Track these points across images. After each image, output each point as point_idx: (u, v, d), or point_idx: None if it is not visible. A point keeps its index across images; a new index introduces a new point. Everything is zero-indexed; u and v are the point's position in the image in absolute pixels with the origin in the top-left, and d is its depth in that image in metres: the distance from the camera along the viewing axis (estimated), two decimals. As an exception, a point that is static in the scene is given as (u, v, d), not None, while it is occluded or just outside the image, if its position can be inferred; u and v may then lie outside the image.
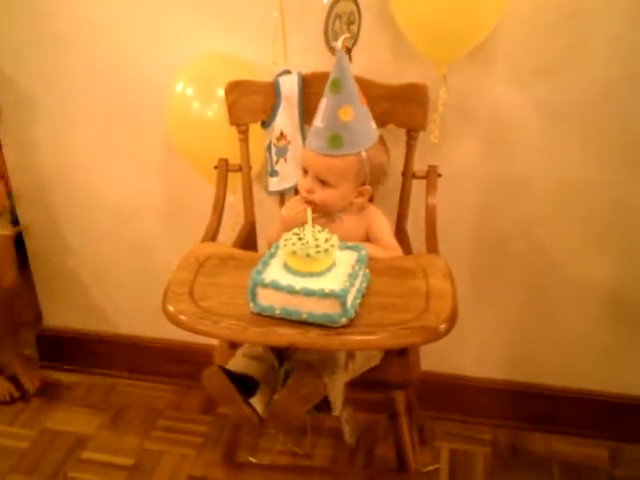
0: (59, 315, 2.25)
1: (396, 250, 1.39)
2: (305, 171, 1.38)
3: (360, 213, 1.42)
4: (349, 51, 1.42)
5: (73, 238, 2.09)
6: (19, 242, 2.17)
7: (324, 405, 1.24)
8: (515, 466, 1.85)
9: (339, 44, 1.29)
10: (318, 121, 1.33)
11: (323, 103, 1.32)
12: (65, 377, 2.24)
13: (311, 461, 1.87)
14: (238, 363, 1.31)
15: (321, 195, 1.36)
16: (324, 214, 1.38)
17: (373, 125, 1.37)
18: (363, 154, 1.33)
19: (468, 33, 1.45)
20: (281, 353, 1.34)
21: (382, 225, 1.43)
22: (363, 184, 1.37)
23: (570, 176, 1.65)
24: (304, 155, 1.39)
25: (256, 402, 1.24)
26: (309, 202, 1.36)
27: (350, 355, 1.30)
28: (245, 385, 1.24)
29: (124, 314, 2.18)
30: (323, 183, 1.35)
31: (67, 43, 1.79)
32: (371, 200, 1.46)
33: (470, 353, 1.94)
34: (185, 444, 1.95)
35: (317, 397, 1.20)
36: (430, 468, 1.83)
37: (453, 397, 1.97)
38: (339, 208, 1.39)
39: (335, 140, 1.31)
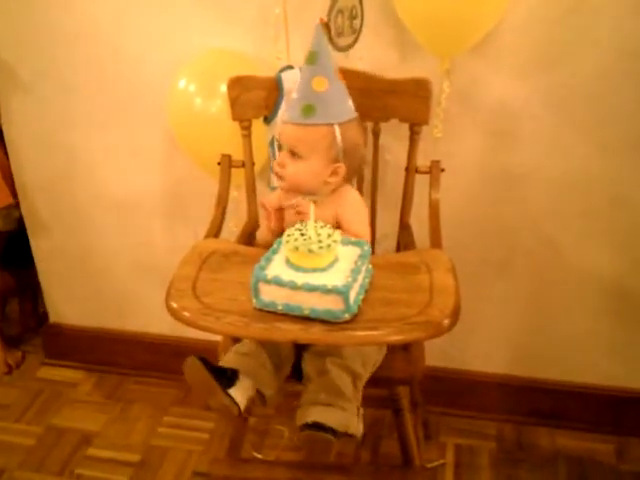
0: (64, 312, 2.26)
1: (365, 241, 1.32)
2: (280, 148, 1.39)
3: (333, 195, 1.39)
4: (327, 26, 1.42)
5: (77, 235, 2.09)
6: (22, 241, 2.18)
7: (345, 437, 1.25)
8: (521, 461, 1.85)
9: (318, 20, 1.33)
10: (294, 93, 1.35)
11: (299, 75, 1.35)
12: (71, 374, 2.25)
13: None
14: (229, 360, 1.31)
15: (292, 169, 1.35)
16: (295, 193, 1.37)
17: (349, 103, 1.37)
18: (336, 128, 1.33)
19: (471, 27, 1.44)
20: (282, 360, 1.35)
21: (354, 209, 1.39)
22: (336, 161, 1.36)
23: (573, 169, 1.65)
24: (279, 130, 1.40)
25: (235, 392, 1.23)
26: (280, 177, 1.37)
27: (354, 374, 1.30)
28: (225, 377, 1.24)
29: (129, 310, 2.18)
30: (294, 155, 1.35)
31: (69, 39, 1.79)
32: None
33: (475, 348, 1.94)
34: (191, 440, 1.95)
35: (332, 447, 1.22)
36: (435, 463, 1.83)
37: (458, 392, 1.97)
38: (311, 187, 1.37)
39: (307, 109, 1.32)
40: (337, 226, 1.36)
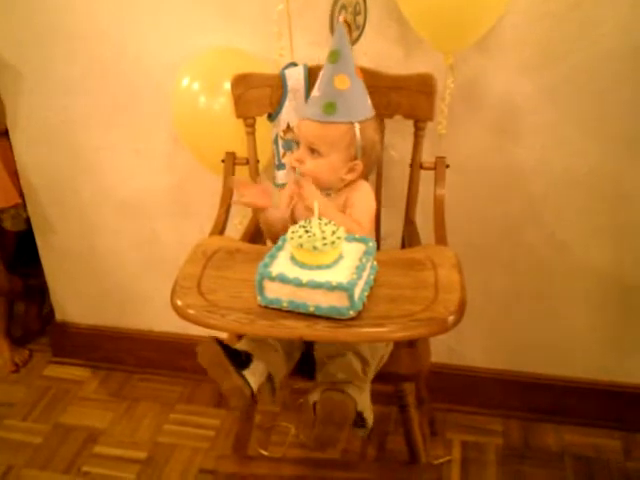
0: (71, 310, 2.27)
1: (360, 228, 1.32)
2: (297, 144, 1.40)
3: (347, 187, 1.40)
4: (349, 25, 1.42)
5: (83, 233, 2.10)
6: (28, 241, 2.18)
7: (358, 420, 1.25)
8: (527, 457, 1.85)
9: (340, 19, 1.34)
10: (315, 90, 1.36)
11: (321, 73, 1.36)
12: (77, 372, 2.26)
13: (322, 453, 1.86)
14: (241, 344, 1.31)
15: (311, 165, 1.37)
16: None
17: (368, 101, 1.38)
18: (356, 126, 1.34)
19: (474, 22, 1.44)
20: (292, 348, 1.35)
21: (360, 197, 1.40)
22: (354, 159, 1.37)
23: (577, 165, 1.64)
24: (298, 125, 1.41)
25: (249, 374, 1.24)
26: (299, 173, 1.37)
27: (363, 361, 1.30)
28: (239, 359, 1.24)
29: (135, 308, 2.19)
30: (313, 152, 1.36)
31: (72, 39, 1.79)
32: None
33: (480, 344, 1.93)
34: (197, 437, 1.96)
35: (351, 415, 1.21)
36: (442, 460, 1.83)
37: (464, 389, 1.97)
38: (328, 183, 1.38)
39: (329, 107, 1.33)
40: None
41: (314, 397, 1.25)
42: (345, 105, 1.34)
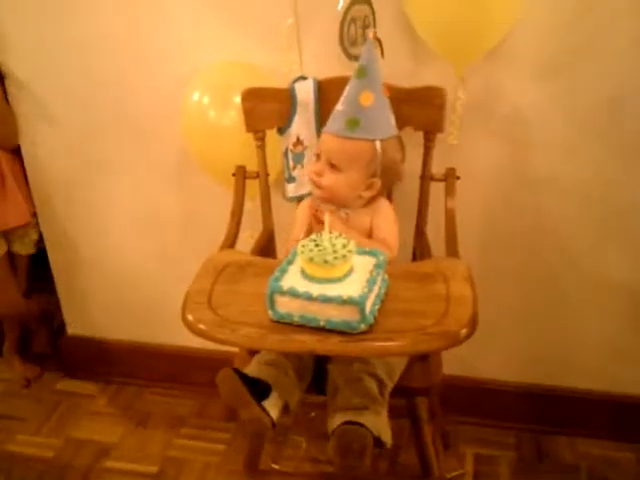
0: (82, 324, 2.27)
1: (391, 251, 1.34)
2: (318, 157, 1.39)
3: (368, 206, 1.41)
4: (379, 42, 1.41)
5: (94, 247, 2.10)
6: (40, 259, 2.19)
7: (377, 443, 1.23)
8: (540, 470, 1.83)
9: (370, 35, 1.35)
10: (339, 105, 1.36)
11: (346, 88, 1.35)
12: (88, 386, 2.25)
13: (334, 468, 1.86)
14: (253, 370, 1.31)
15: (329, 179, 1.37)
16: (329, 203, 1.39)
17: (392, 119, 1.38)
18: (377, 144, 1.34)
19: (485, 34, 1.44)
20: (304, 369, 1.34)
21: (384, 217, 1.41)
22: (373, 176, 1.36)
23: (590, 176, 1.63)
24: (320, 139, 1.41)
25: (269, 405, 1.24)
26: (317, 186, 1.38)
27: (379, 382, 1.29)
28: (258, 389, 1.24)
29: (145, 322, 2.19)
30: (333, 167, 1.36)
31: (83, 54, 1.80)
32: (391, 200, 1.45)
33: (493, 356, 1.92)
34: (208, 452, 1.95)
35: (369, 445, 1.20)
36: (455, 474, 1.82)
37: (476, 401, 1.96)
38: (345, 199, 1.39)
39: (352, 123, 1.33)
40: (371, 235, 1.38)
41: (332, 425, 1.24)
42: (368, 122, 1.33)
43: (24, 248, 2.15)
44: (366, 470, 1.20)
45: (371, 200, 1.41)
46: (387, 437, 1.24)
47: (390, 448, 1.25)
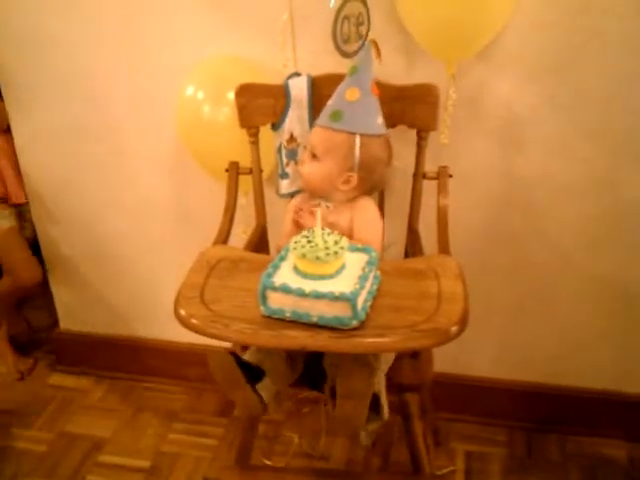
0: (75, 319, 2.27)
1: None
2: (305, 149, 1.45)
3: (350, 203, 1.42)
4: (376, 45, 1.43)
5: (87, 241, 2.10)
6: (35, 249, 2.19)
7: (374, 407, 1.24)
8: (531, 467, 1.84)
9: (368, 40, 1.41)
10: (330, 100, 1.41)
11: (339, 85, 1.40)
12: (82, 380, 2.26)
13: (326, 463, 1.87)
14: (246, 356, 1.31)
15: (308, 168, 1.41)
16: (314, 196, 1.43)
17: (379, 119, 1.40)
18: (357, 138, 1.36)
19: (476, 32, 1.44)
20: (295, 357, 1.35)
21: (366, 217, 1.42)
22: (350, 170, 1.38)
23: (582, 174, 1.64)
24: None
25: (262, 389, 1.24)
26: (300, 175, 1.44)
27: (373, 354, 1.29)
28: (252, 374, 1.25)
29: (139, 317, 2.19)
30: (314, 157, 1.40)
31: (76, 48, 1.80)
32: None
33: (484, 354, 1.93)
34: (201, 446, 1.95)
35: (371, 387, 1.19)
36: (445, 470, 1.82)
37: (468, 398, 1.97)
38: (322, 189, 1.41)
39: (335, 115, 1.38)
40: (350, 233, 1.38)
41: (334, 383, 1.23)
42: (351, 115, 1.36)
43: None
44: (360, 423, 1.19)
45: (354, 198, 1.42)
46: (384, 401, 1.25)
47: (381, 444, 1.26)
